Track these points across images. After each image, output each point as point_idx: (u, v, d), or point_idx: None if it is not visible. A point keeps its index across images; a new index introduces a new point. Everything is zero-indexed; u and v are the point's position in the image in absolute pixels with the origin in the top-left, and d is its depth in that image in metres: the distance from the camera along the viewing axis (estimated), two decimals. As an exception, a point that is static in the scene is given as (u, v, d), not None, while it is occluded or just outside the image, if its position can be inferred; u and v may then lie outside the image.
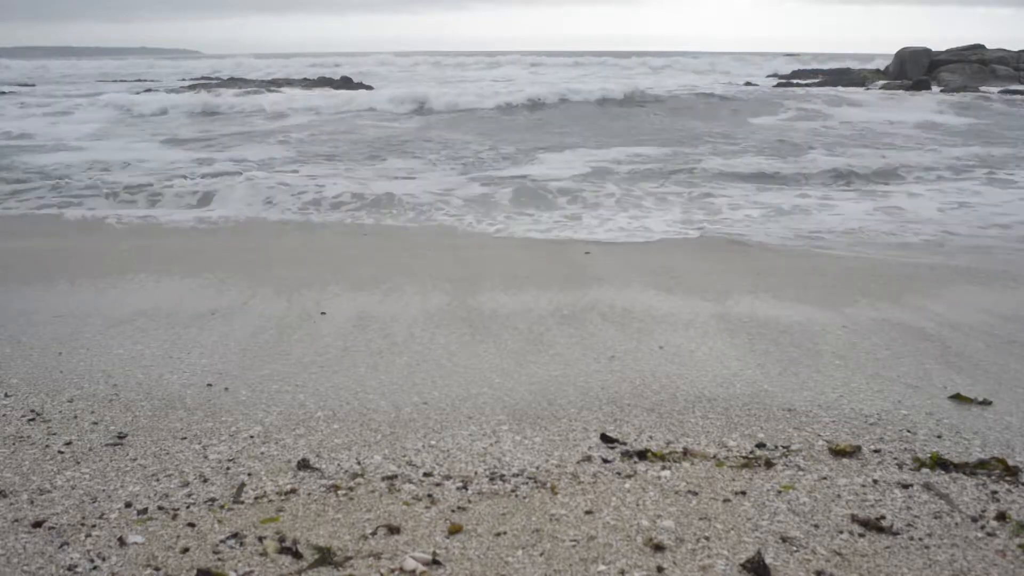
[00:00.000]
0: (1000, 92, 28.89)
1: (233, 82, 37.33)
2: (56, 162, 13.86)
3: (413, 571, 2.64)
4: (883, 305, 6.02)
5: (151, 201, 10.92)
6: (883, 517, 2.96)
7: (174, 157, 14.92)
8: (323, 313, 5.88)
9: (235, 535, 2.86)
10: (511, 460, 3.50)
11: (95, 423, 3.92)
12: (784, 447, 3.61)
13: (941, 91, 29.97)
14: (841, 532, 2.87)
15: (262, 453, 3.58)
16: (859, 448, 3.56)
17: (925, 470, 3.36)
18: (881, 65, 43.46)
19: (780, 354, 4.90)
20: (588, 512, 3.02)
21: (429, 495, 3.17)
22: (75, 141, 17.17)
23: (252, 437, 3.75)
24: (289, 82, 36.38)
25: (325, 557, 2.72)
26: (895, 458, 3.49)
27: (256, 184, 11.41)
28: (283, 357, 4.89)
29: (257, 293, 6.43)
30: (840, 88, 35.35)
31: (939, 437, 3.72)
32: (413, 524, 2.94)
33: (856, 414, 4.00)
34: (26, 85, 39.35)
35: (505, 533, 2.88)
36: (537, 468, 3.41)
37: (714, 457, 3.51)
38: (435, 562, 2.69)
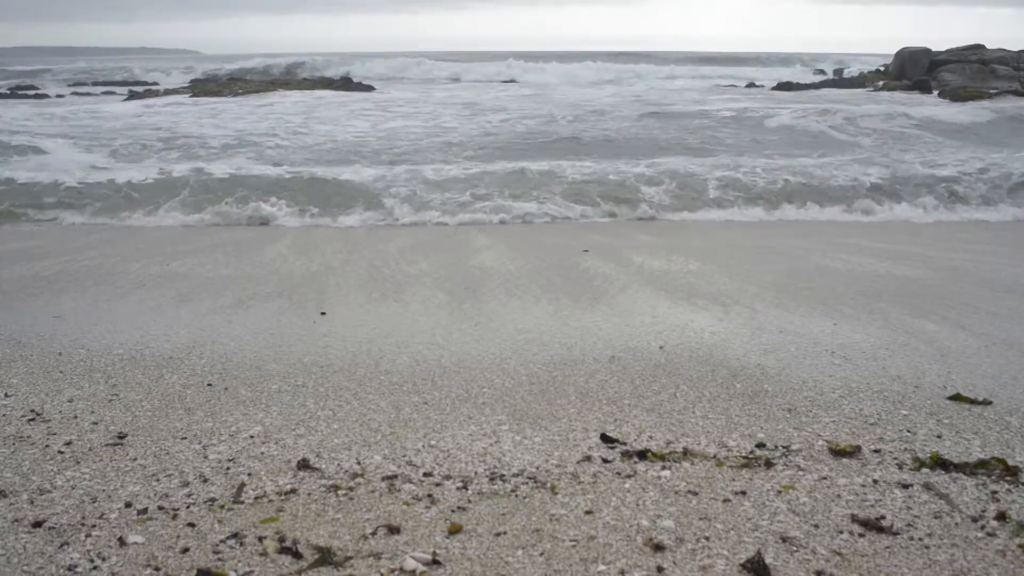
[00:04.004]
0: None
1: (232, 82, 37.30)
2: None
3: (413, 571, 2.64)
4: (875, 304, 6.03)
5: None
6: (883, 517, 2.96)
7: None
8: (323, 313, 5.88)
9: (235, 535, 2.86)
10: (511, 460, 3.49)
11: (95, 423, 3.92)
12: (784, 447, 3.61)
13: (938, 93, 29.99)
14: (841, 532, 2.87)
15: (262, 453, 3.58)
16: (859, 448, 3.56)
17: (925, 470, 3.36)
18: (881, 65, 43.46)
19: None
20: (588, 512, 3.02)
21: (429, 495, 3.17)
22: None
23: (252, 437, 3.75)
24: (288, 83, 36.36)
25: (325, 557, 2.72)
26: (895, 458, 3.49)
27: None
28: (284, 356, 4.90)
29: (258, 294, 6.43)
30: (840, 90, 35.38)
31: (939, 437, 3.72)
32: (413, 524, 2.94)
33: (856, 414, 4.00)
34: (29, 88, 39.26)
35: (505, 533, 2.88)
36: (537, 468, 3.41)
37: (714, 457, 3.51)
38: (435, 562, 2.69)
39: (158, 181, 11.71)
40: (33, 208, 10.50)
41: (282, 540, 2.83)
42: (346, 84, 37.06)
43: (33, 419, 3.96)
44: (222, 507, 3.07)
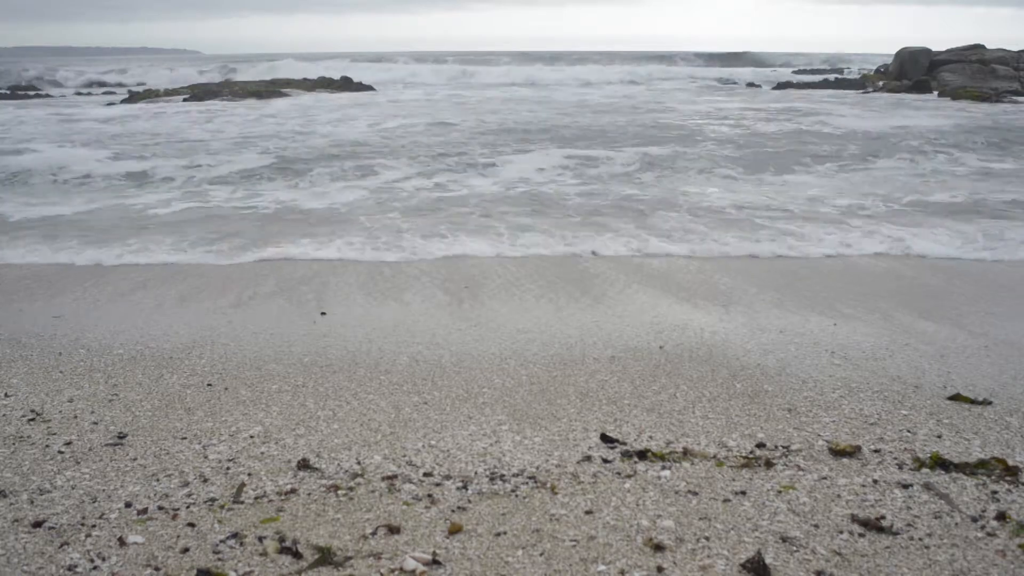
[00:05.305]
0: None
1: (231, 83, 37.29)
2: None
3: (413, 571, 2.64)
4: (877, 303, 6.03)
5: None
6: (883, 517, 2.96)
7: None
8: (323, 313, 5.88)
9: (235, 535, 2.86)
10: (511, 460, 3.49)
11: (95, 423, 3.92)
12: (784, 447, 3.61)
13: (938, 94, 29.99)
14: (841, 532, 2.87)
15: (262, 453, 3.58)
16: (859, 448, 3.56)
17: (925, 470, 3.36)
18: (881, 65, 43.49)
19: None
20: (588, 512, 3.02)
21: (429, 495, 3.17)
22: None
23: (252, 437, 3.75)
24: (288, 82, 36.36)
25: (325, 557, 2.72)
26: (895, 458, 3.49)
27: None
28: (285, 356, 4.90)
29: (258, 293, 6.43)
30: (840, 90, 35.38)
31: (939, 437, 3.72)
32: (413, 524, 2.94)
33: (856, 414, 4.00)
34: (29, 89, 39.18)
35: (505, 533, 2.88)
36: (537, 468, 3.41)
37: (714, 457, 3.51)
38: (435, 562, 2.69)
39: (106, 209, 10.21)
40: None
41: (282, 540, 2.83)
42: (346, 84, 37.08)
43: (33, 419, 3.96)
44: (222, 507, 3.07)
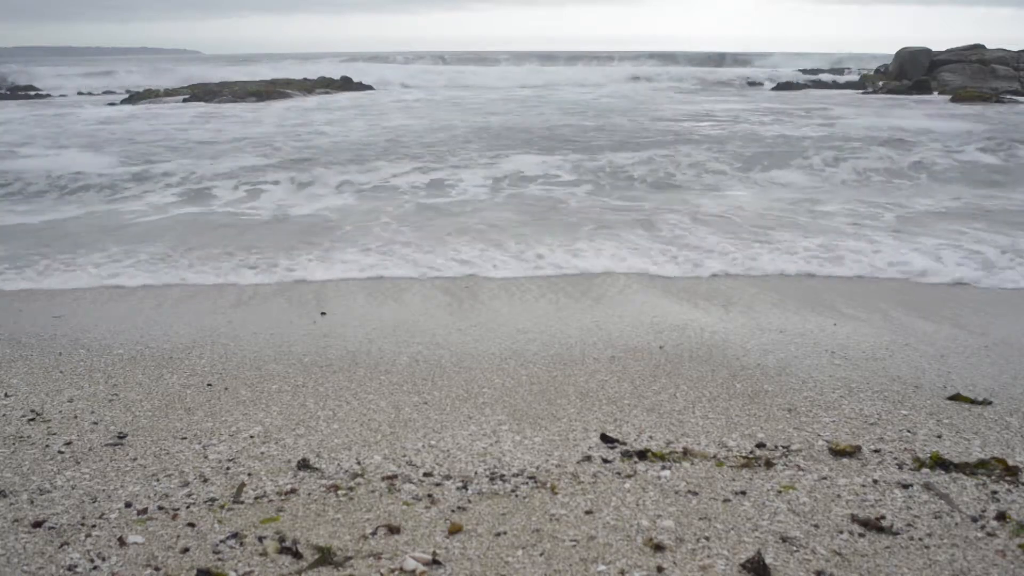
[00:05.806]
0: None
1: (231, 84, 37.25)
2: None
3: (413, 571, 2.64)
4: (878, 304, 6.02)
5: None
6: (883, 517, 2.96)
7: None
8: (323, 313, 5.88)
9: (235, 535, 2.86)
10: (511, 460, 3.49)
11: (95, 423, 3.92)
12: (784, 447, 3.61)
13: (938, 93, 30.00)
14: (841, 532, 2.87)
15: (262, 453, 3.58)
16: (859, 448, 3.56)
17: (925, 470, 3.36)
18: (881, 65, 43.48)
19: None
20: (588, 512, 3.02)
21: (429, 495, 3.17)
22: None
23: (252, 437, 3.75)
24: (288, 82, 36.36)
25: (325, 557, 2.72)
26: (895, 458, 3.49)
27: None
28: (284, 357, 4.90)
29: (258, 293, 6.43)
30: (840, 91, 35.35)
31: (939, 437, 3.72)
32: (413, 524, 2.94)
33: (856, 414, 4.00)
34: (29, 89, 39.11)
35: (505, 533, 2.88)
36: (537, 468, 3.41)
37: (714, 457, 3.51)
38: (435, 562, 2.69)
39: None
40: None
41: (282, 540, 2.83)
42: (346, 84, 37.09)
43: (33, 419, 3.96)
44: (222, 507, 3.07)
